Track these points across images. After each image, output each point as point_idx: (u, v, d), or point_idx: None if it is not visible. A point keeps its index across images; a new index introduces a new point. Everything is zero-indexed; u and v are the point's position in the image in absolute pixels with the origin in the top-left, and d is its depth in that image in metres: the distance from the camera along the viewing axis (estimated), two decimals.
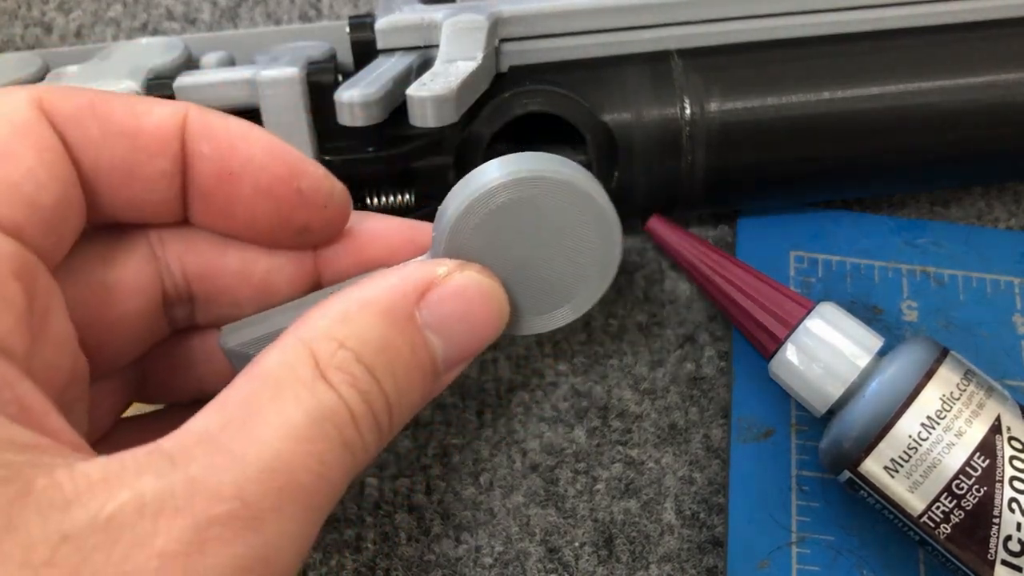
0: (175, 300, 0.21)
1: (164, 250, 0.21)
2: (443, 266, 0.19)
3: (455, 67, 0.26)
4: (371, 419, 0.17)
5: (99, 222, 0.19)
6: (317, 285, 0.22)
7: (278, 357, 0.17)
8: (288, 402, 0.16)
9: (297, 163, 0.20)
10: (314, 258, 0.22)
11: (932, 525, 0.24)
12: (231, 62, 0.30)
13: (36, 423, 0.15)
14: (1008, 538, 0.23)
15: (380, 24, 0.28)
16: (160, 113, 0.18)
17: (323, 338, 0.17)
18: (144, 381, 0.22)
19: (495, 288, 0.20)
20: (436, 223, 0.21)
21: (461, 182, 0.20)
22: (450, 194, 0.20)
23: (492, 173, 0.20)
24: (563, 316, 0.23)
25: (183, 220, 0.20)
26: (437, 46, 0.27)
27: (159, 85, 0.27)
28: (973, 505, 0.23)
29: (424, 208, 0.29)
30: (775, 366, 0.27)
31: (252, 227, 0.20)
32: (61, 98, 0.18)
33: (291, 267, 0.21)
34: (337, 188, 0.21)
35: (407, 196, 0.28)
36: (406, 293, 0.18)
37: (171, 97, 0.27)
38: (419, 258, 0.21)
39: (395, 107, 0.26)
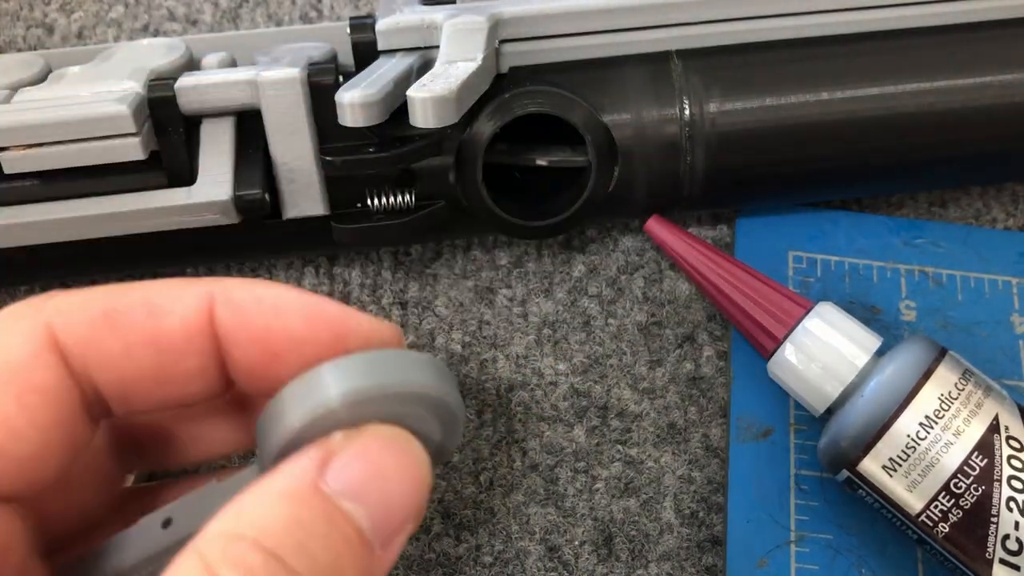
0: (123, 448, 0.20)
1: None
2: (339, 433, 0.16)
3: (455, 68, 0.26)
4: None
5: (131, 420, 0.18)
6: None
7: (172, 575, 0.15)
8: None
9: (341, 324, 0.18)
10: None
11: (930, 524, 0.24)
12: (232, 63, 0.30)
13: None
14: (1006, 537, 0.23)
15: (381, 25, 0.28)
16: (182, 309, 0.17)
17: (214, 539, 0.15)
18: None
19: (402, 437, 0.17)
20: (261, 432, 0.17)
21: (286, 393, 0.17)
22: (273, 403, 0.17)
23: (327, 391, 0.16)
24: None
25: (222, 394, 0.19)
26: (437, 47, 0.27)
27: (160, 86, 0.27)
28: (971, 504, 0.23)
29: (424, 208, 0.29)
30: (774, 366, 0.27)
31: None
32: (73, 318, 0.16)
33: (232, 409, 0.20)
34: (386, 331, 0.19)
35: (407, 196, 0.29)
36: (304, 468, 0.16)
37: (172, 98, 0.27)
38: (243, 471, 0.18)
39: (396, 108, 0.26)
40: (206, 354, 0.17)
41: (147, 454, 0.20)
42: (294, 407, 0.16)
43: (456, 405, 0.18)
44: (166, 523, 0.18)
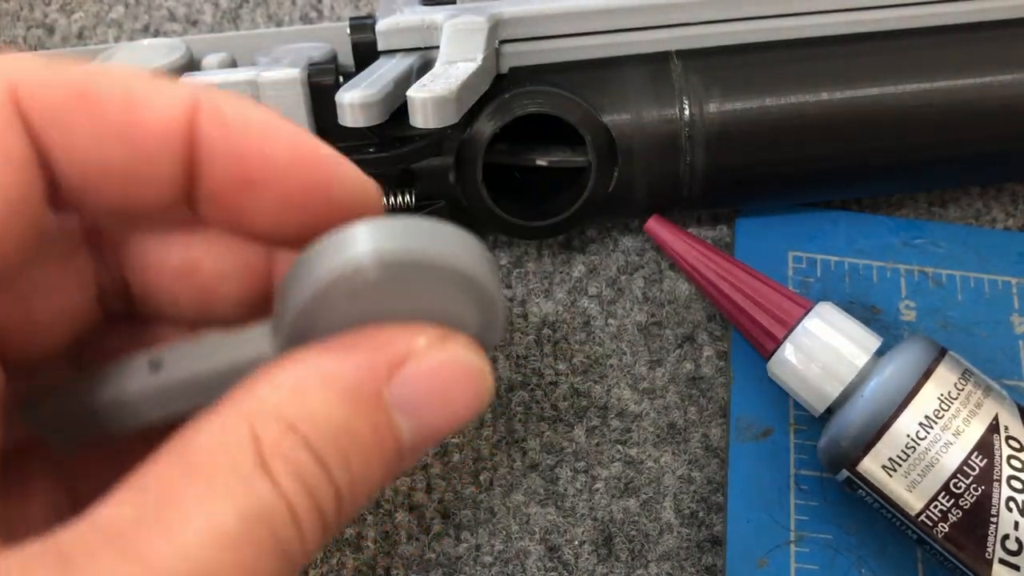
0: (109, 292, 0.18)
1: (101, 240, 0.18)
2: (423, 336, 0.15)
3: (455, 68, 0.26)
4: (315, 516, 0.14)
5: (81, 224, 0.17)
6: (268, 286, 0.18)
7: (214, 436, 0.14)
8: (218, 498, 0.13)
9: (329, 166, 0.16)
10: (267, 257, 0.18)
11: (930, 524, 0.24)
12: (233, 63, 0.30)
13: None
14: (1006, 537, 0.23)
15: (381, 26, 0.28)
16: (163, 106, 0.15)
17: (270, 417, 0.14)
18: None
19: (482, 368, 0.16)
20: (281, 289, 0.16)
21: (315, 250, 0.15)
22: (300, 261, 0.15)
23: (360, 248, 0.15)
24: None
25: (183, 219, 0.17)
26: (437, 47, 0.27)
27: None
28: (971, 504, 0.23)
29: (424, 208, 0.29)
30: (774, 366, 0.27)
31: (269, 233, 0.17)
32: (43, 89, 0.14)
33: (239, 269, 0.18)
34: (371, 191, 0.18)
35: (408, 196, 0.29)
36: (376, 369, 0.15)
37: None
38: (252, 329, 0.16)
39: (396, 108, 0.26)
40: (179, 161, 0.16)
41: (134, 296, 0.18)
42: (322, 262, 0.15)
43: (498, 295, 0.16)
44: (155, 365, 0.16)
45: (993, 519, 0.23)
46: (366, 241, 0.15)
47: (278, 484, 0.14)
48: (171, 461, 0.14)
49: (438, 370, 0.15)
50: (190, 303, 0.18)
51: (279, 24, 0.39)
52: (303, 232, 0.16)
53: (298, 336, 0.15)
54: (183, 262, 0.18)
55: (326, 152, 0.16)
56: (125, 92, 0.15)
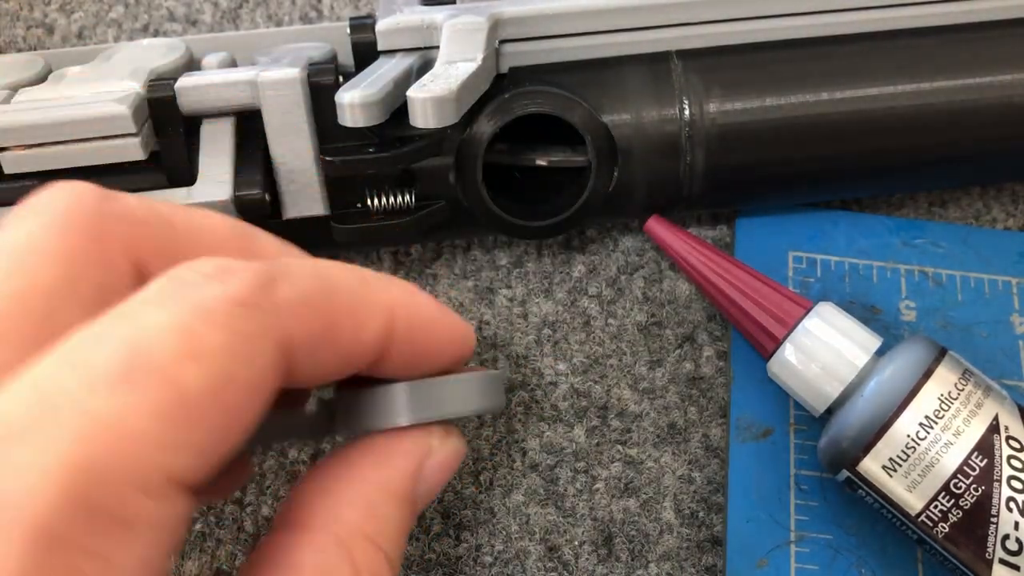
0: None
1: None
2: (435, 437, 0.20)
3: (455, 68, 0.26)
4: None
5: None
6: None
7: (316, 556, 0.17)
8: None
9: (465, 338, 0.21)
10: None
11: (930, 524, 0.24)
12: (232, 63, 0.30)
13: None
14: (1006, 537, 0.23)
15: (381, 25, 0.28)
16: (375, 323, 0.18)
17: (359, 539, 0.18)
18: None
19: (464, 448, 0.21)
20: (362, 401, 0.20)
21: (401, 395, 0.20)
22: (390, 396, 0.20)
23: (396, 416, 0.20)
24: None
25: None
26: (437, 47, 0.27)
27: (161, 86, 0.27)
28: (971, 504, 0.23)
29: (424, 208, 0.29)
30: (774, 366, 0.27)
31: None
32: (305, 331, 0.17)
33: None
34: (470, 338, 0.21)
35: (407, 197, 0.29)
36: (412, 474, 0.19)
37: (172, 98, 0.27)
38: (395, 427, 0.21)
39: (396, 108, 0.26)
40: (373, 356, 0.19)
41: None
42: (402, 410, 0.20)
43: (501, 404, 0.22)
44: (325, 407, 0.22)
45: (993, 519, 0.23)
46: (404, 410, 0.20)
47: None
48: None
49: (446, 464, 0.20)
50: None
51: (279, 24, 0.39)
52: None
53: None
54: None
55: (465, 330, 0.21)
56: (349, 309, 0.18)
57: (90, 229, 0.17)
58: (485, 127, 0.27)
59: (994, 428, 0.24)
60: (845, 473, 0.25)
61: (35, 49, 0.38)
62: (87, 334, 0.15)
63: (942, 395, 0.24)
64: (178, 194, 0.27)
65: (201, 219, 0.19)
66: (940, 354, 0.25)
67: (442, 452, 0.20)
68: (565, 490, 0.29)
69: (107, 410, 0.14)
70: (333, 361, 0.18)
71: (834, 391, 0.26)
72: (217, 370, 0.15)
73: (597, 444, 0.30)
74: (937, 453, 0.23)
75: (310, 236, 0.30)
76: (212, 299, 0.15)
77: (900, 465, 0.24)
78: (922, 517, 0.24)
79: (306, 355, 0.17)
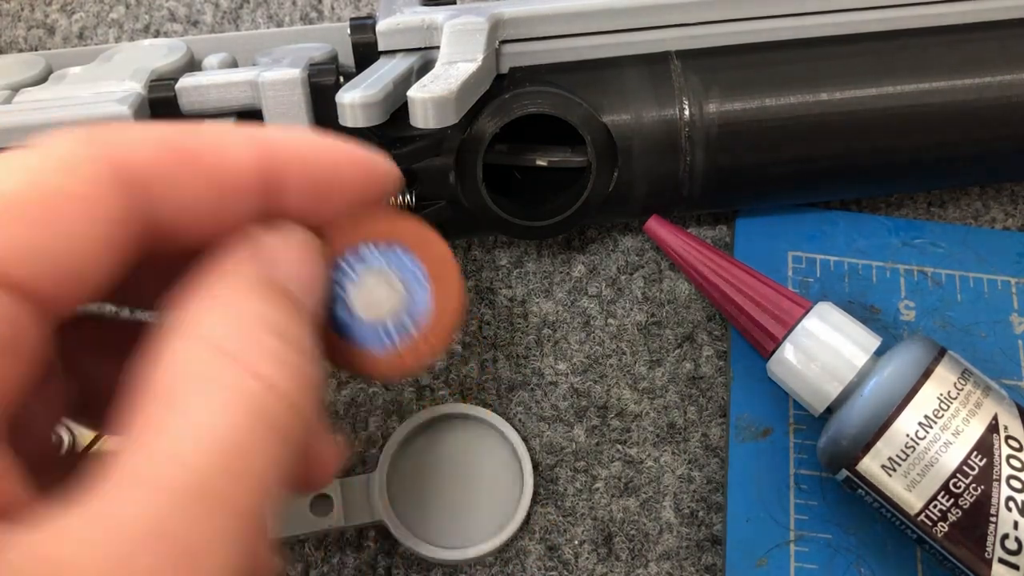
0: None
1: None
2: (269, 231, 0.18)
3: (455, 69, 0.26)
4: (304, 389, 0.16)
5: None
6: None
7: (185, 365, 0.15)
8: (195, 408, 0.14)
9: (373, 170, 0.19)
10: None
11: (929, 523, 0.24)
12: (233, 64, 0.30)
13: None
14: (1005, 536, 0.23)
15: (381, 26, 0.28)
16: (240, 149, 0.17)
17: (227, 330, 0.16)
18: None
19: (316, 246, 0.19)
20: None
21: None
22: None
23: None
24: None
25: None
26: (438, 48, 0.27)
27: (161, 86, 0.27)
28: (970, 504, 0.23)
29: (424, 208, 0.29)
30: (773, 365, 0.27)
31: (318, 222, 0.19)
32: (140, 149, 0.16)
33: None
34: (390, 169, 0.20)
35: (408, 197, 0.29)
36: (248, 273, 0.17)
37: (173, 98, 0.27)
38: None
39: (396, 108, 0.26)
40: (261, 191, 0.18)
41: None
42: None
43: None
44: None
45: (992, 518, 0.23)
46: None
47: (254, 369, 0.15)
48: (154, 399, 0.14)
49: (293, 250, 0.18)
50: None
51: (279, 24, 0.39)
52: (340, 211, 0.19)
53: None
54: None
55: (364, 153, 0.19)
56: (211, 143, 0.17)
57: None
58: (485, 127, 0.27)
59: (993, 427, 0.24)
60: (844, 472, 0.25)
61: (36, 49, 0.38)
62: None
63: (941, 395, 0.24)
64: None
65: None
66: (939, 354, 0.25)
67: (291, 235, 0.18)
68: (565, 489, 0.29)
69: None
70: (204, 190, 0.17)
71: (833, 391, 0.26)
72: (30, 176, 0.15)
73: (597, 444, 0.30)
74: (936, 452, 0.24)
75: None
76: (52, 146, 0.16)
77: (899, 464, 0.24)
78: (921, 516, 0.24)
79: (165, 184, 0.16)
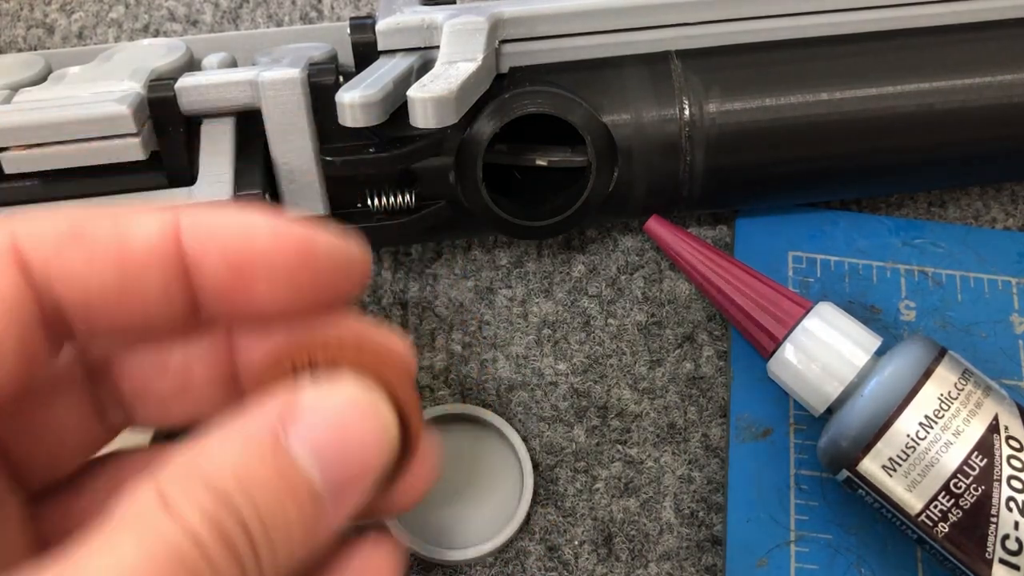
0: (108, 410, 0.20)
1: (98, 366, 0.19)
2: (309, 389, 0.16)
3: (455, 68, 0.26)
4: (227, 553, 0.14)
5: (93, 346, 0.18)
6: (233, 374, 0.20)
7: (121, 505, 0.14)
8: (124, 540, 0.14)
9: (307, 242, 0.17)
10: (228, 344, 0.20)
11: (930, 524, 0.24)
12: (233, 63, 0.30)
13: None
14: (1006, 537, 0.23)
15: (381, 25, 0.28)
16: (148, 229, 0.17)
17: (172, 472, 0.15)
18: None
19: (375, 404, 0.17)
20: None
21: None
22: None
23: None
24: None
25: (191, 326, 0.18)
26: (438, 47, 0.27)
27: (161, 86, 0.27)
28: (971, 504, 0.23)
29: (424, 208, 0.29)
30: (774, 365, 0.27)
31: (269, 315, 0.18)
32: (38, 233, 0.16)
33: (207, 354, 0.19)
34: (355, 254, 0.18)
35: (407, 197, 0.29)
36: (268, 416, 0.16)
37: (172, 98, 0.27)
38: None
39: (396, 108, 0.26)
40: (170, 272, 0.17)
41: (130, 407, 0.20)
42: None
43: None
44: None
45: (993, 519, 0.23)
46: None
47: (181, 520, 0.14)
48: (102, 524, 0.14)
49: (331, 411, 0.16)
50: (171, 396, 0.20)
51: (279, 24, 0.39)
52: (298, 305, 0.18)
53: None
54: (176, 373, 0.19)
55: (301, 231, 0.17)
56: (111, 222, 0.16)
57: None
58: (485, 127, 0.27)
59: (994, 428, 0.24)
60: (845, 473, 0.25)
61: (35, 49, 0.38)
62: None
63: (942, 395, 0.24)
64: (178, 194, 0.27)
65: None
66: (940, 354, 0.25)
67: (325, 399, 0.16)
68: (565, 490, 0.29)
69: None
70: (104, 273, 0.16)
71: (834, 391, 0.26)
72: None
73: (597, 444, 0.30)
74: (937, 453, 0.23)
75: None
76: None
77: (900, 465, 0.24)
78: (922, 517, 0.24)
79: (63, 268, 0.16)
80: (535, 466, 0.29)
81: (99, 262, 0.16)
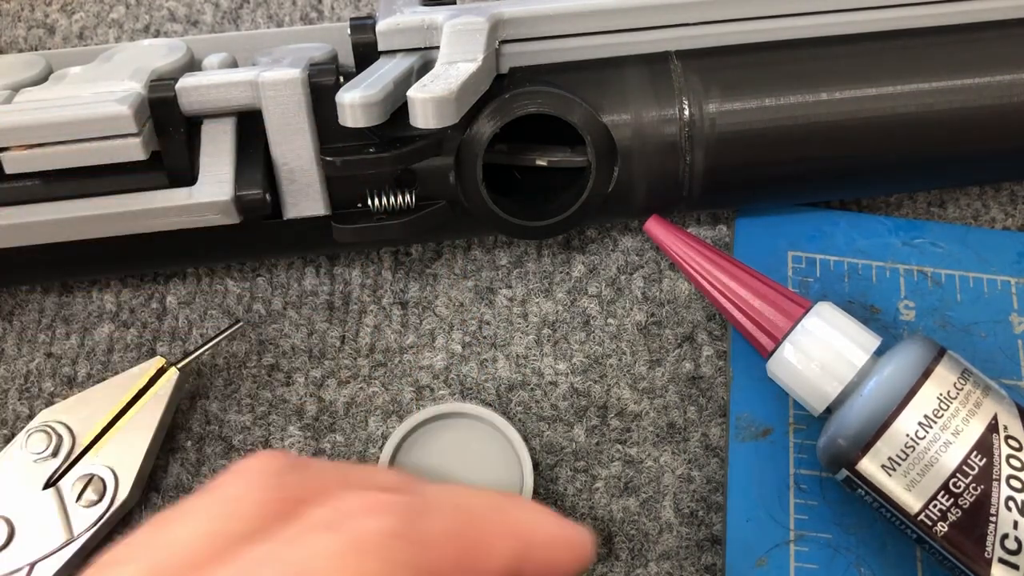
0: None
1: None
2: None
3: (456, 69, 0.26)
4: None
5: None
6: None
7: None
8: None
9: (587, 550, 0.21)
10: None
11: (929, 523, 0.24)
12: (233, 64, 0.30)
13: None
14: (1005, 536, 0.23)
15: (381, 26, 0.28)
16: (505, 553, 0.20)
17: None
18: None
19: None
20: None
21: None
22: None
23: None
24: None
25: None
26: (438, 48, 0.27)
27: (162, 86, 0.27)
28: (970, 503, 0.23)
29: (424, 208, 0.29)
30: (773, 365, 0.27)
31: None
32: (443, 563, 0.18)
33: None
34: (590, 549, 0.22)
35: (408, 197, 0.29)
36: None
37: (173, 98, 0.27)
38: None
39: (396, 108, 0.26)
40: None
41: None
42: None
43: None
44: None
45: (992, 518, 0.23)
46: None
47: None
48: None
49: None
50: None
51: (279, 24, 0.39)
52: None
53: None
54: None
55: (583, 537, 0.21)
56: (485, 546, 0.20)
57: (288, 489, 0.19)
58: (485, 127, 0.28)
59: (993, 427, 0.24)
60: (844, 472, 0.25)
61: (36, 49, 0.38)
62: (263, 552, 0.17)
63: (941, 394, 0.24)
64: (179, 194, 0.27)
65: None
66: (939, 354, 0.25)
67: None
68: (565, 489, 0.29)
69: None
70: None
71: (833, 391, 0.26)
72: None
73: (597, 443, 0.30)
74: (936, 452, 0.24)
75: (311, 236, 0.30)
76: (370, 531, 0.18)
77: (899, 464, 0.24)
78: (921, 516, 0.24)
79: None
80: (535, 465, 0.29)
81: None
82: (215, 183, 0.27)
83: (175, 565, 0.18)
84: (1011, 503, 0.23)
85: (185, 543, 0.18)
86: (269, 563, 0.17)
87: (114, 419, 0.28)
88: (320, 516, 0.18)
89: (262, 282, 0.33)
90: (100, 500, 0.27)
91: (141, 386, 0.29)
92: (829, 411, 0.26)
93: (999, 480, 0.23)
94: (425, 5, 0.29)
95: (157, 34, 0.39)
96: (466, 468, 0.29)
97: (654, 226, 0.30)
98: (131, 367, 0.29)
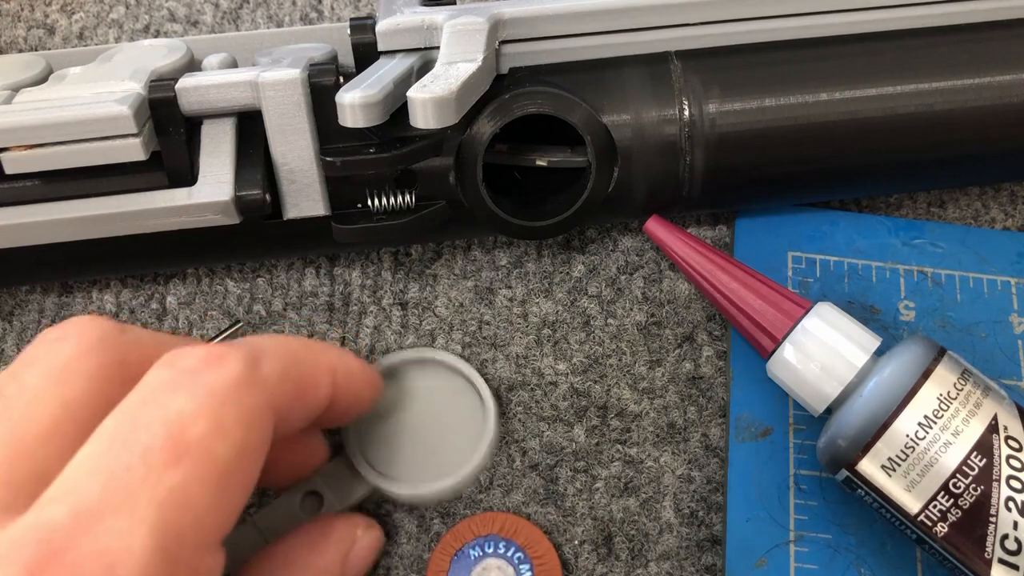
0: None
1: None
2: (359, 527, 0.26)
3: (455, 69, 0.26)
4: None
5: None
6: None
7: None
8: None
9: (378, 386, 0.26)
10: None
11: (929, 524, 0.24)
12: (233, 64, 0.31)
13: None
14: (1005, 537, 0.23)
15: (381, 26, 0.28)
16: (326, 380, 0.23)
17: None
18: None
19: (383, 539, 0.27)
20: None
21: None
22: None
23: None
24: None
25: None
26: (438, 48, 0.27)
27: (161, 86, 0.27)
28: (970, 504, 0.23)
29: (424, 208, 0.29)
30: (773, 365, 0.27)
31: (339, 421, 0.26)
32: (286, 396, 0.22)
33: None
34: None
35: (407, 197, 0.29)
36: (342, 559, 0.25)
37: (173, 99, 0.27)
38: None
39: (396, 108, 0.26)
40: (324, 406, 0.23)
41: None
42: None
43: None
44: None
45: (992, 519, 0.23)
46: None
47: None
48: None
49: (367, 551, 0.26)
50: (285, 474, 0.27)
51: (279, 25, 0.39)
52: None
53: None
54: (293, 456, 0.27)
55: (373, 374, 0.26)
56: (314, 384, 0.23)
57: (116, 354, 0.21)
58: (485, 127, 0.27)
59: (993, 428, 0.24)
60: (844, 473, 0.25)
61: (36, 50, 0.38)
62: (123, 419, 0.18)
63: (941, 395, 0.24)
64: (179, 194, 0.27)
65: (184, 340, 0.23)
66: (939, 354, 0.25)
67: (365, 541, 0.25)
68: (565, 490, 0.29)
69: (170, 484, 0.17)
70: (301, 417, 0.22)
71: (833, 391, 0.26)
72: (239, 441, 0.19)
73: (597, 444, 0.30)
74: (936, 453, 0.24)
75: (310, 236, 0.30)
76: (218, 383, 0.19)
77: (899, 465, 0.24)
78: (921, 517, 0.24)
79: (284, 416, 0.21)
80: (534, 466, 0.29)
81: (307, 408, 0.23)
82: (215, 183, 0.27)
83: (32, 434, 0.19)
84: (1011, 503, 0.23)
85: (33, 418, 0.19)
86: (133, 430, 0.18)
87: None
88: (162, 377, 0.19)
89: (262, 283, 0.33)
90: None
91: None
92: (829, 411, 0.26)
93: (999, 480, 0.23)
94: (425, 5, 0.29)
95: (157, 34, 0.39)
96: (428, 410, 0.30)
97: (654, 226, 0.30)
98: None
